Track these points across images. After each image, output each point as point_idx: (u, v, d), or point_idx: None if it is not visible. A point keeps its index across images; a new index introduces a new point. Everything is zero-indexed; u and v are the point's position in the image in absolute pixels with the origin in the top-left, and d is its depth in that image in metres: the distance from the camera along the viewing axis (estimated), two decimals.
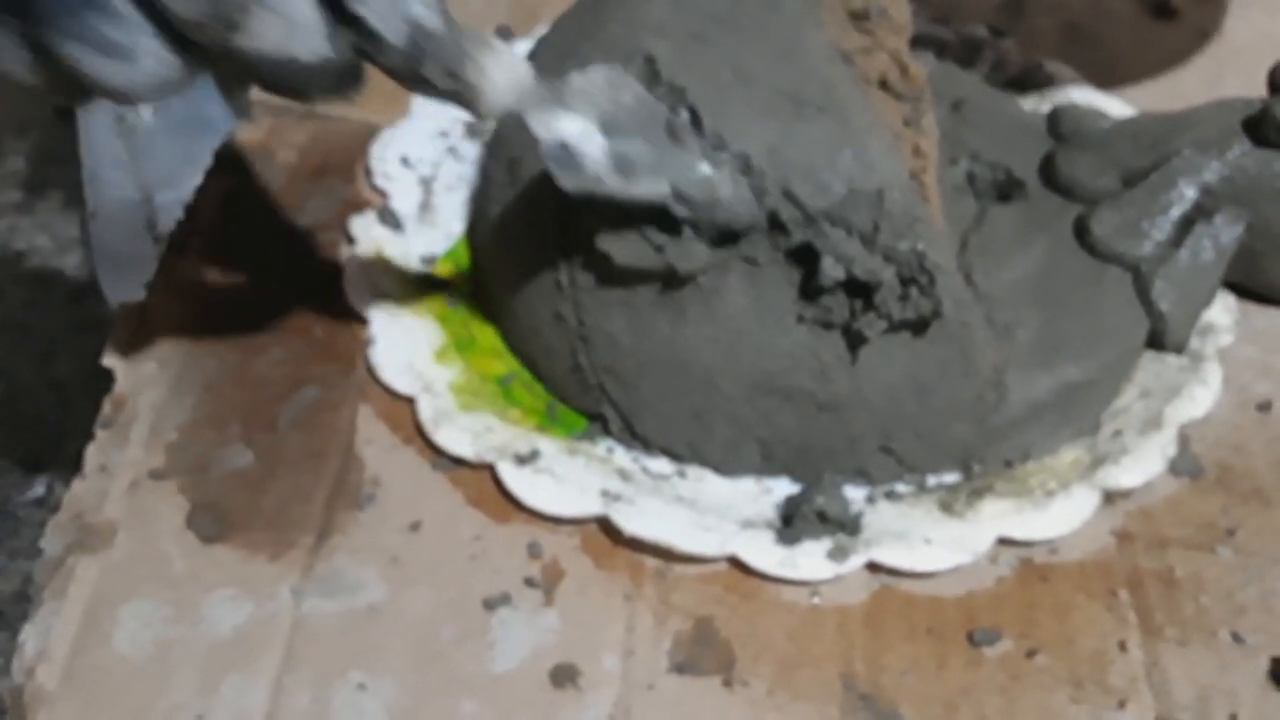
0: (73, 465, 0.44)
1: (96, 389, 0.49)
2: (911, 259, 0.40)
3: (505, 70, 0.37)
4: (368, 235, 0.50)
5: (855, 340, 0.42)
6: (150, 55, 0.34)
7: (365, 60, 0.35)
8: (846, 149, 0.41)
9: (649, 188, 0.40)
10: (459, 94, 0.37)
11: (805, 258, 0.41)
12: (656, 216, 0.40)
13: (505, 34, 0.60)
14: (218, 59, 0.35)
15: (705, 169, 0.40)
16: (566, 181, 0.39)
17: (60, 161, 0.88)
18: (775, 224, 0.41)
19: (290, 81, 0.35)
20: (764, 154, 0.41)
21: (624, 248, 0.41)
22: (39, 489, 0.69)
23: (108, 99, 0.34)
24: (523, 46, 0.56)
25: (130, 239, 0.76)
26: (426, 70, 0.36)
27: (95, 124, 0.70)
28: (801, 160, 0.41)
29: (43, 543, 0.42)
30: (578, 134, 0.39)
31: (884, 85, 0.44)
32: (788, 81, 0.42)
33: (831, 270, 0.40)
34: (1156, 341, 0.48)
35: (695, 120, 0.41)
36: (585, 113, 0.39)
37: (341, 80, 0.35)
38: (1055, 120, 0.54)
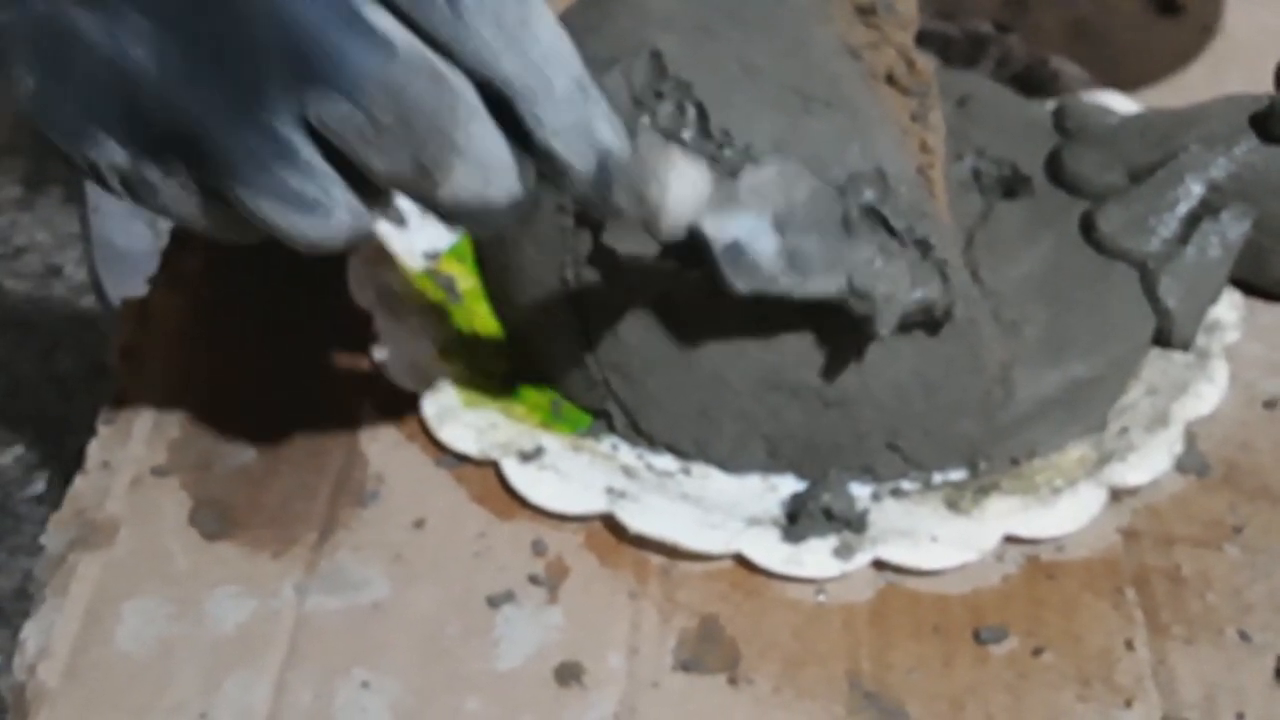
0: (74, 462, 0.44)
1: (98, 385, 0.49)
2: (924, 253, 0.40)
3: (687, 184, 0.36)
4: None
5: (861, 339, 0.42)
6: (344, 208, 0.32)
7: (548, 188, 0.34)
8: (854, 143, 0.41)
9: (823, 285, 0.39)
10: (641, 215, 0.35)
11: None
12: (832, 310, 0.40)
13: None
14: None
15: (879, 262, 0.39)
16: (740, 283, 0.38)
17: (61, 157, 0.87)
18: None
19: (477, 220, 0.33)
20: (771, 148, 0.40)
21: (629, 244, 0.41)
22: (40, 485, 0.69)
23: (293, 247, 0.33)
24: None
25: (131, 235, 0.76)
26: (615, 197, 0.34)
27: None
28: (808, 155, 0.40)
29: (44, 539, 0.42)
30: (751, 233, 0.37)
31: (891, 80, 0.44)
32: (795, 76, 0.42)
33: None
34: (1163, 338, 0.48)
35: (702, 115, 0.41)
36: (759, 210, 0.38)
37: (524, 214, 0.34)
38: (1061, 116, 0.53)
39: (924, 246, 0.41)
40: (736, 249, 0.37)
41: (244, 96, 0.31)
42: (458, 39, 0.31)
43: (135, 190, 0.33)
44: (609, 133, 0.33)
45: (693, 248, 0.38)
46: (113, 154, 0.32)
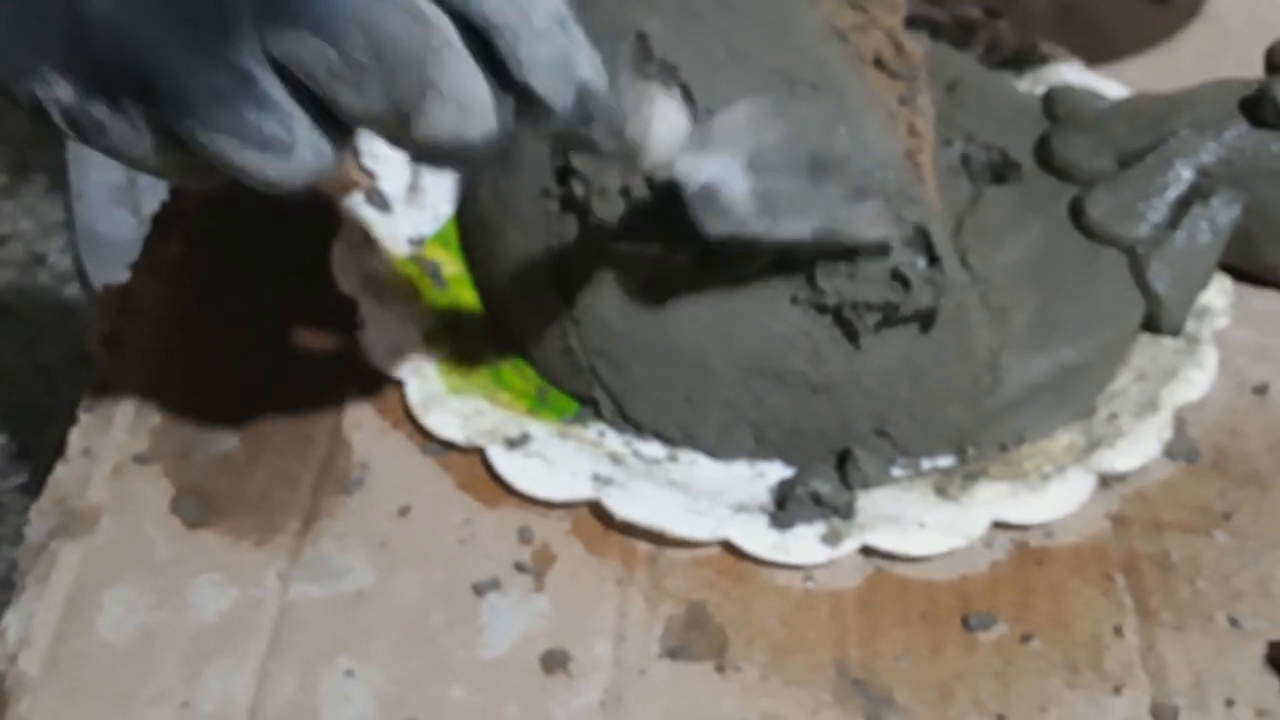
0: (58, 451, 0.43)
1: (82, 374, 0.48)
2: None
3: (667, 122, 0.35)
4: (355, 216, 0.50)
5: (849, 327, 0.41)
6: (309, 147, 0.31)
7: (524, 126, 0.33)
8: (841, 127, 0.40)
9: (795, 228, 0.38)
10: (621, 152, 0.35)
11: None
12: (799, 262, 0.39)
13: None
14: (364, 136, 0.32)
15: (850, 205, 0.38)
16: (711, 225, 0.37)
17: (44, 145, 0.87)
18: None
19: (452, 159, 0.32)
20: None
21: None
22: (24, 475, 0.68)
23: (251, 186, 0.32)
24: None
25: (115, 222, 0.76)
26: (593, 133, 0.33)
27: None
28: (794, 138, 0.40)
29: (26, 528, 0.41)
30: (723, 174, 0.37)
31: (879, 63, 0.44)
32: (781, 59, 0.42)
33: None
34: (1152, 324, 0.48)
35: (688, 98, 0.40)
36: (731, 152, 0.37)
37: (501, 152, 0.33)
38: (1050, 101, 0.53)
39: (920, 234, 0.40)
40: (710, 191, 0.37)
41: (205, 30, 0.29)
42: None
43: (81, 129, 0.31)
44: (588, 68, 0.32)
45: (664, 194, 0.37)
46: (57, 89, 0.30)
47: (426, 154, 0.32)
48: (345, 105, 0.30)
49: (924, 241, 0.41)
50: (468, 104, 0.31)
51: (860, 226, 0.39)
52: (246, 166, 0.31)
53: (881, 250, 0.39)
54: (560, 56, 0.31)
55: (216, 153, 0.30)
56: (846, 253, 0.39)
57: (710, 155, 0.37)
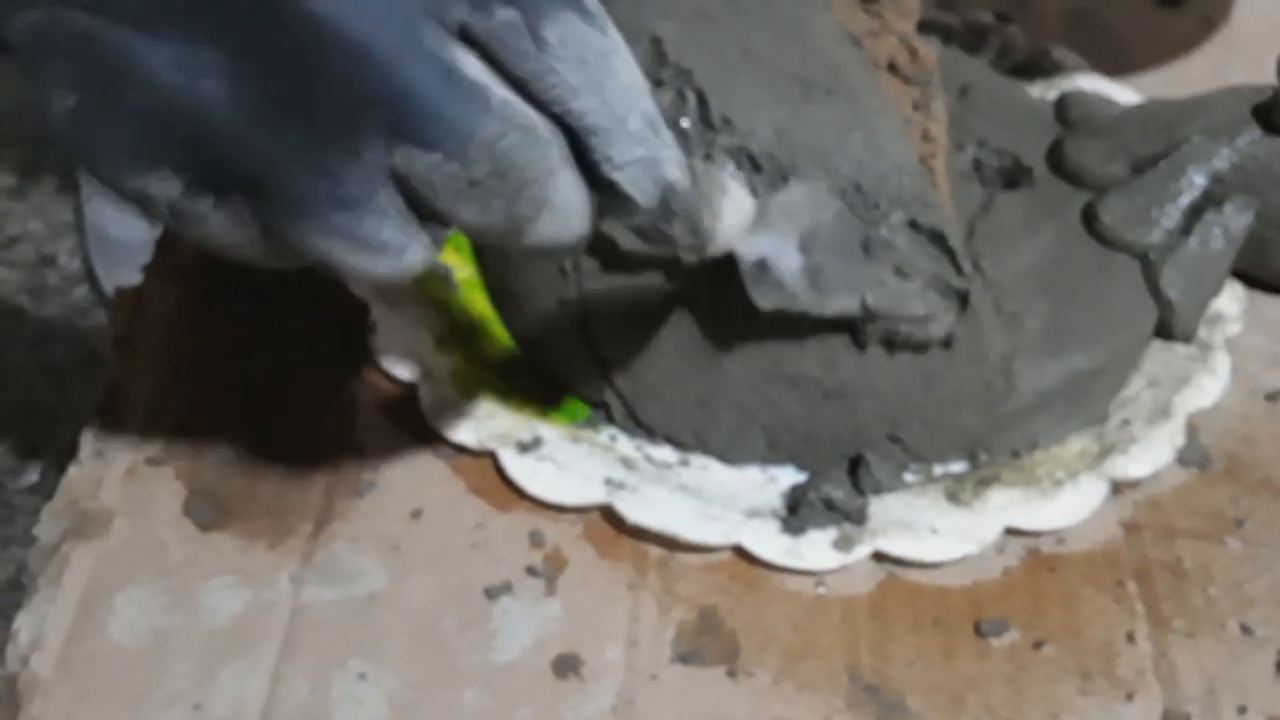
0: (67, 452, 0.43)
1: (91, 375, 0.48)
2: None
3: (738, 211, 0.36)
4: None
5: (860, 335, 0.41)
6: (419, 249, 0.32)
7: (609, 220, 0.34)
8: (856, 132, 0.40)
9: (842, 304, 0.40)
10: (694, 245, 0.35)
11: None
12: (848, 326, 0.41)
13: None
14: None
15: (895, 282, 0.40)
16: (763, 300, 0.39)
17: (54, 147, 0.87)
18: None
19: (540, 258, 0.35)
20: (773, 137, 0.40)
21: (629, 234, 0.41)
22: (33, 476, 0.68)
23: (353, 278, 0.33)
24: None
25: (125, 226, 0.76)
26: (673, 229, 0.34)
27: None
28: (811, 143, 0.40)
29: (37, 529, 0.41)
30: (777, 252, 0.38)
31: (893, 68, 0.44)
32: (796, 63, 0.42)
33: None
34: (1165, 330, 0.48)
35: (702, 102, 0.40)
36: (786, 230, 0.39)
37: (583, 248, 0.34)
38: (1063, 107, 0.53)
39: (937, 239, 0.41)
40: (763, 267, 0.39)
41: (327, 140, 0.30)
42: (540, 76, 0.31)
43: (183, 219, 0.31)
44: (675, 169, 0.33)
45: (716, 264, 0.38)
46: (166, 186, 0.31)
47: (523, 255, 0.34)
48: (463, 219, 0.31)
49: (943, 248, 0.41)
50: (572, 214, 0.32)
51: (905, 302, 0.40)
52: (356, 267, 0.31)
53: (922, 321, 0.41)
54: (650, 156, 0.32)
55: (325, 252, 0.31)
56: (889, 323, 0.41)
57: (766, 233, 0.38)
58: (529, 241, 0.32)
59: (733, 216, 0.36)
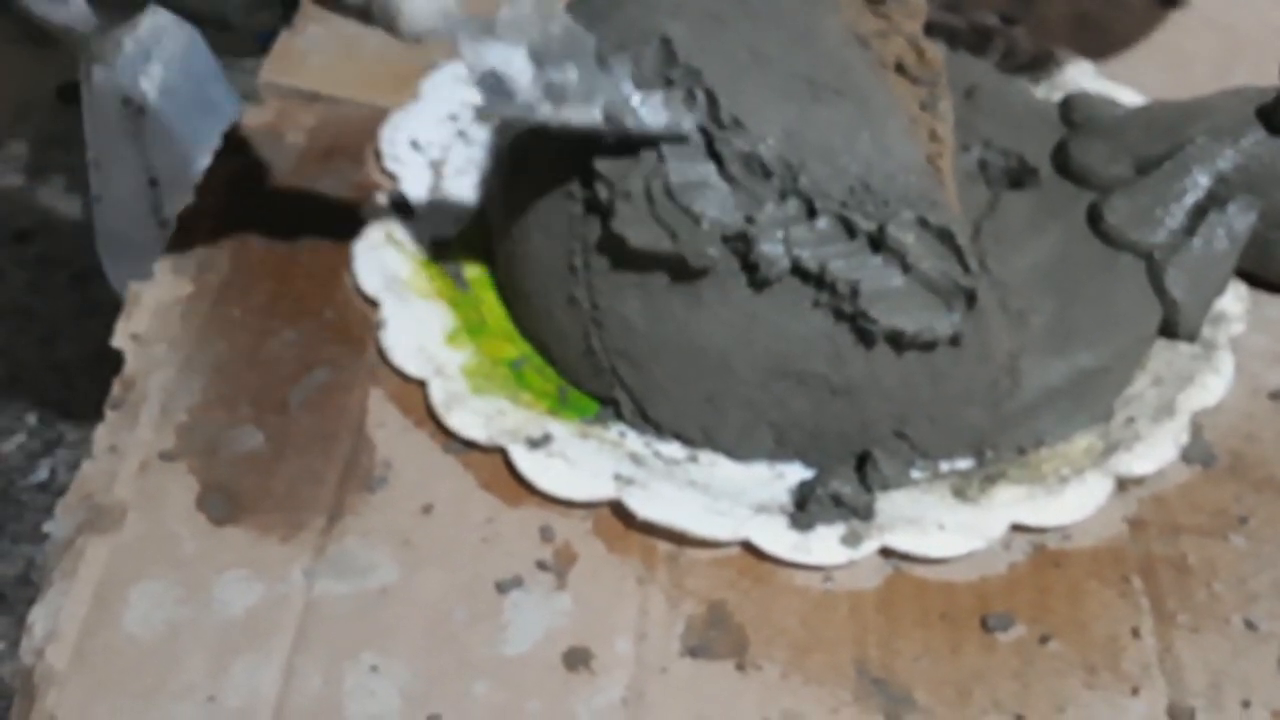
0: (76, 449, 0.43)
1: (99, 373, 0.49)
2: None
3: None
4: (377, 218, 0.50)
5: (866, 332, 0.42)
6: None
7: None
8: (864, 132, 0.41)
9: (579, 114, 0.41)
10: (375, 15, 0.38)
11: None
12: (590, 140, 0.41)
13: None
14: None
15: (633, 93, 0.41)
16: (497, 109, 0.41)
17: (62, 145, 0.87)
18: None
19: (203, 6, 0.37)
20: (782, 136, 0.40)
21: (639, 231, 0.41)
22: (42, 473, 0.69)
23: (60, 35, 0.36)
24: None
25: (135, 223, 0.76)
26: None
27: (101, 107, 0.70)
28: (819, 143, 0.41)
29: (49, 525, 0.41)
30: (506, 62, 0.40)
31: (900, 69, 0.44)
32: (804, 64, 0.42)
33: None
34: (1169, 329, 0.48)
35: (711, 102, 0.41)
36: (515, 42, 0.40)
37: (257, 4, 0.37)
38: (1068, 107, 0.53)
39: (946, 238, 0.41)
40: (493, 76, 0.40)
41: None
42: None
43: None
44: None
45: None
46: None
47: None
48: None
49: (952, 246, 0.41)
50: None
51: (644, 113, 0.41)
52: (43, 14, 0.37)
53: (674, 139, 0.41)
54: None
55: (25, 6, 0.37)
56: (640, 142, 0.41)
57: (493, 44, 0.40)
58: None
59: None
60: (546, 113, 0.40)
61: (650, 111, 0.41)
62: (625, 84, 0.41)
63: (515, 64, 0.40)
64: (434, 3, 0.38)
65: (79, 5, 0.37)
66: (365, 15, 0.38)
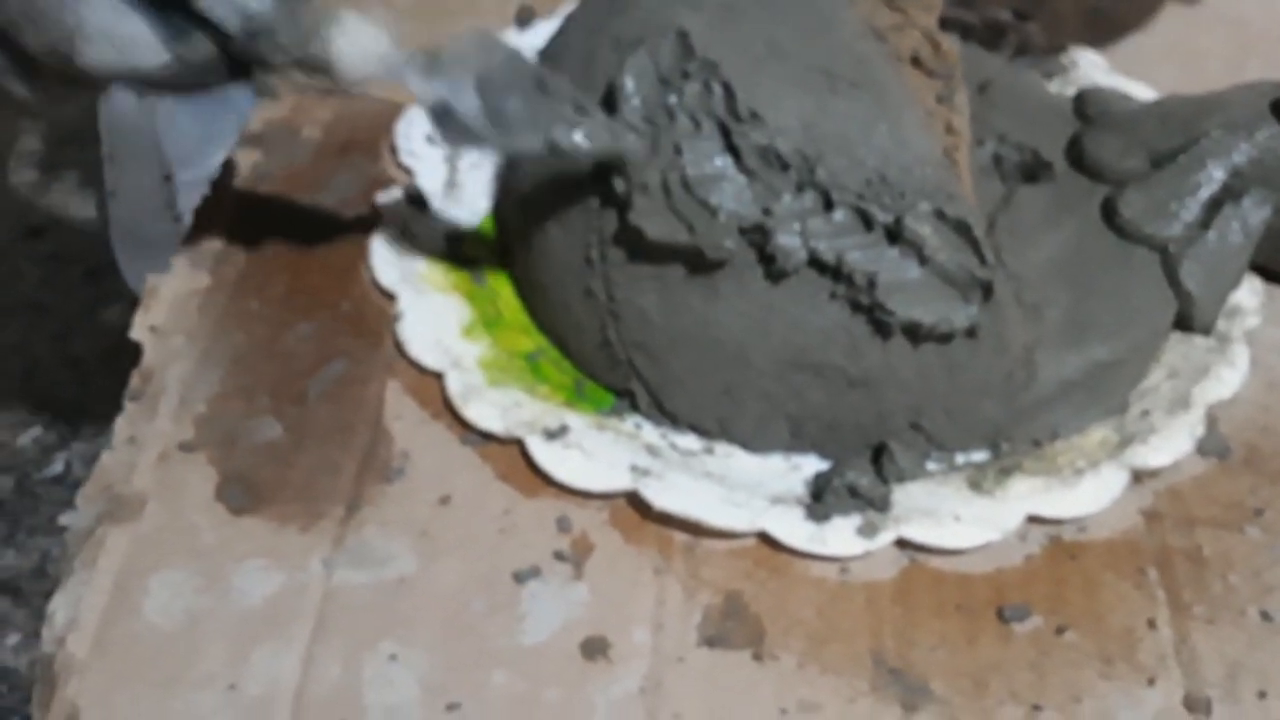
0: (91, 443, 0.44)
1: (114, 367, 0.49)
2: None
3: (354, 43, 0.40)
4: (394, 212, 0.50)
5: (883, 326, 0.42)
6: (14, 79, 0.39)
7: (228, 53, 0.39)
8: (881, 124, 0.41)
9: (526, 141, 0.42)
10: (313, 70, 0.40)
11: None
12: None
13: (527, 15, 0.60)
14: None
15: (574, 118, 0.42)
16: (450, 139, 0.42)
17: (77, 142, 0.88)
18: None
19: (160, 85, 0.39)
20: (799, 129, 0.41)
21: (657, 224, 0.41)
22: (58, 466, 0.69)
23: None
24: (547, 26, 0.56)
25: (150, 219, 0.76)
26: (264, 51, 0.39)
27: (116, 104, 0.71)
28: (836, 135, 0.41)
29: (65, 518, 0.42)
30: (454, 94, 0.41)
31: (916, 62, 0.44)
32: (821, 57, 0.42)
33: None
34: (1184, 322, 0.48)
35: (729, 95, 0.41)
36: (459, 75, 0.42)
37: (215, 73, 0.39)
38: (1082, 102, 0.54)
39: (963, 229, 0.41)
40: (443, 108, 0.42)
41: None
42: None
43: None
44: (254, 2, 0.39)
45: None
46: None
47: (106, 81, 0.40)
48: (17, 42, 0.38)
49: (968, 238, 0.41)
50: (117, 39, 0.38)
51: (578, 139, 0.42)
52: None
53: (616, 162, 0.42)
54: None
55: None
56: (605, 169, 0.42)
57: (440, 79, 0.42)
58: (91, 65, 0.38)
59: (351, 48, 0.40)
60: (496, 141, 0.42)
61: (586, 136, 0.42)
62: (565, 109, 0.42)
63: (464, 96, 0.41)
64: (369, 49, 0.40)
65: None
66: (304, 70, 0.40)
